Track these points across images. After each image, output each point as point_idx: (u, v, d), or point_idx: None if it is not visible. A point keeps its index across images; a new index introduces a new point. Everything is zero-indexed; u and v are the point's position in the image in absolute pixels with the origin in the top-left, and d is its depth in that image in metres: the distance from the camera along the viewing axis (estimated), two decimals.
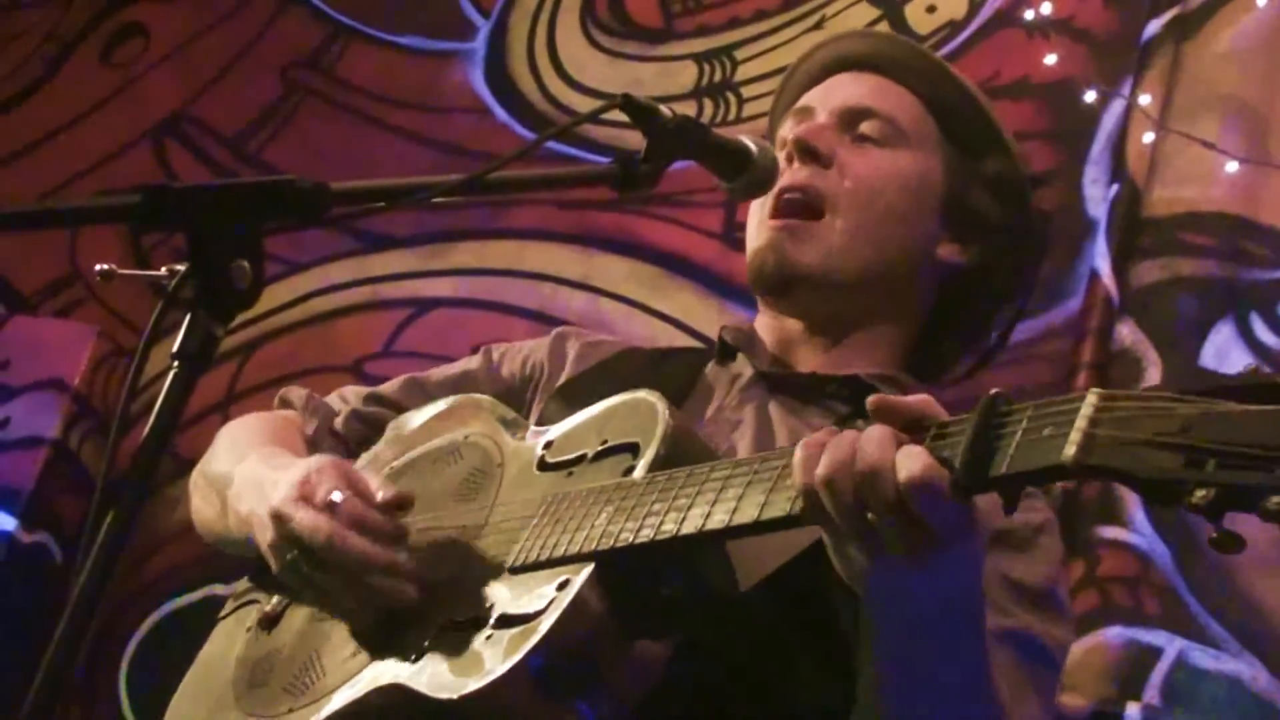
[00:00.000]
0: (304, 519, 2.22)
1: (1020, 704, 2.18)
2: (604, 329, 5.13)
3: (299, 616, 2.46)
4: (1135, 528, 4.20)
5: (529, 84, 5.86)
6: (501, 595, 2.14)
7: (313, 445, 2.71)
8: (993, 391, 1.75)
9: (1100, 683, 4.10)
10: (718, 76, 5.56)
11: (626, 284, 5.34)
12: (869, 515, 1.80)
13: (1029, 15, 4.91)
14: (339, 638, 2.32)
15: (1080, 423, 1.60)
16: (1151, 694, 4.10)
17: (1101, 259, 4.48)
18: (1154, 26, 4.71)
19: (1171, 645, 4.13)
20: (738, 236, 5.14)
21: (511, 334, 5.30)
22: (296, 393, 2.86)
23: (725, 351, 2.67)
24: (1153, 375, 4.34)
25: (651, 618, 2.08)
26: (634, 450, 2.21)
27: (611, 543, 2.06)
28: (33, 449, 5.46)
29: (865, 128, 2.64)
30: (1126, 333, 4.44)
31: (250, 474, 2.48)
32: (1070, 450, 1.59)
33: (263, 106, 6.25)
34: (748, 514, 1.94)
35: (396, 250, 5.78)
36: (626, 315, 5.27)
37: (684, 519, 1.99)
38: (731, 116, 5.39)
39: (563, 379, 2.71)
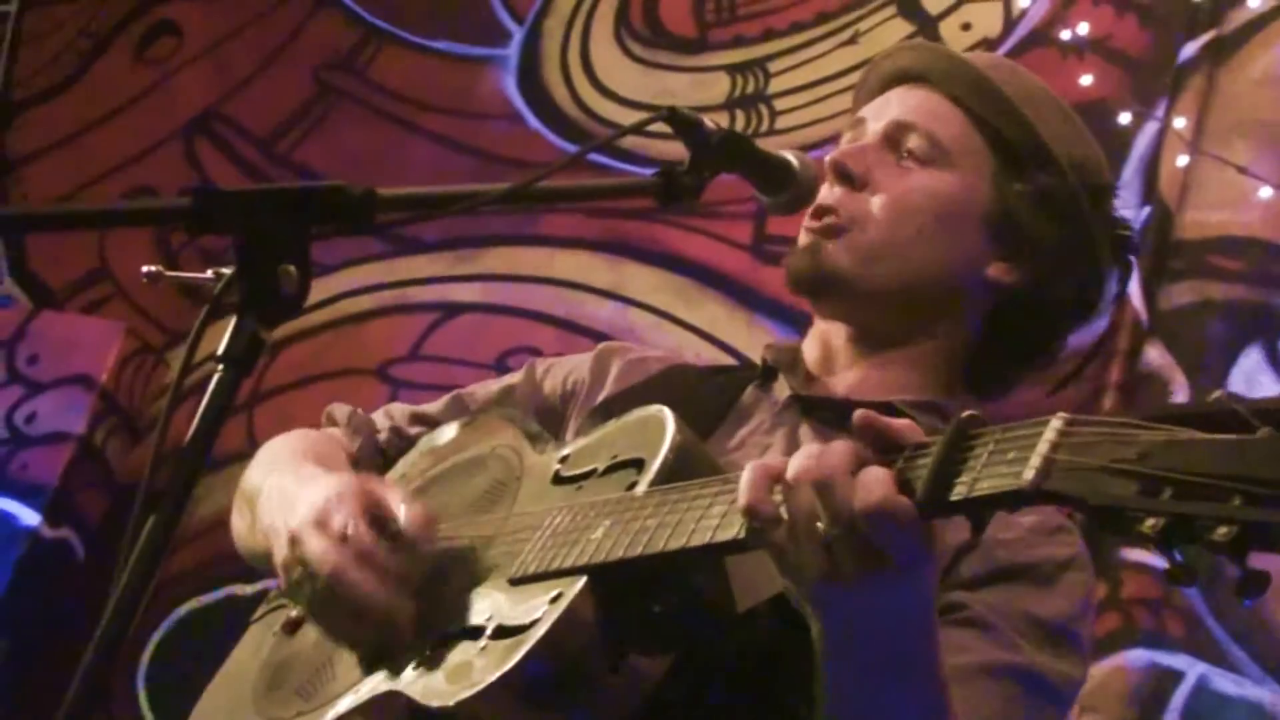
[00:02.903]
0: (315, 547, 2.23)
1: None
2: (632, 339, 5.13)
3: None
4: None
5: (562, 92, 5.86)
6: (501, 606, 2.15)
7: (356, 464, 2.73)
8: (964, 414, 1.73)
9: (1120, 705, 4.10)
10: (750, 88, 5.56)
11: (656, 294, 5.34)
12: (819, 527, 1.77)
13: (1065, 35, 4.90)
14: (341, 651, 2.34)
15: (1042, 447, 1.58)
16: (1171, 718, 4.09)
17: (1131, 280, 4.47)
18: (1190, 49, 4.70)
19: (1193, 669, 4.12)
20: (767, 249, 5.19)
21: (538, 341, 5.32)
22: (341, 410, 2.88)
23: (767, 373, 2.65)
24: (1180, 399, 4.33)
25: (644, 633, 2.07)
26: (640, 465, 2.20)
27: (604, 557, 2.06)
28: (58, 445, 5.47)
29: (909, 145, 2.61)
30: (1155, 355, 4.44)
31: (277, 486, 2.49)
32: (1028, 475, 1.57)
33: (294, 108, 6.25)
34: (708, 535, 1.94)
35: (424, 254, 5.78)
36: (655, 326, 5.27)
37: (671, 535, 1.99)
38: (764, 129, 5.38)
39: (602, 396, 2.70)
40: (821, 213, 2.56)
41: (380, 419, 2.84)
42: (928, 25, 5.27)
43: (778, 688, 2.17)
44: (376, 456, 2.78)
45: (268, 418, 5.49)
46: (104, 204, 2.31)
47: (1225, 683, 4.08)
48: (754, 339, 5.03)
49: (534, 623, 2.04)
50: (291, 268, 1.73)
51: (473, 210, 2.02)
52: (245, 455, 5.32)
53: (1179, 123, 4.61)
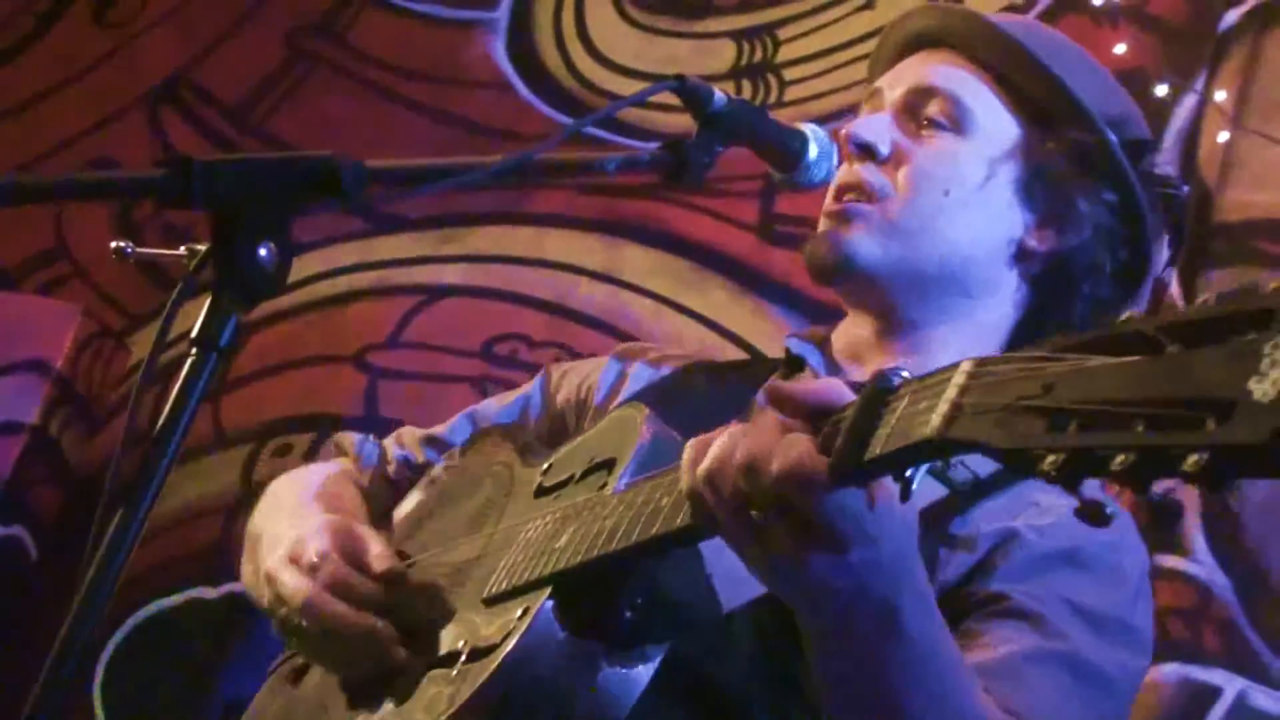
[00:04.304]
0: (287, 581, 2.37)
1: None
2: (627, 325, 5.14)
3: (318, 670, 2.54)
4: (1195, 556, 4.18)
5: (555, 59, 5.86)
6: (475, 628, 2.21)
7: (368, 496, 2.79)
8: (883, 368, 1.74)
9: None
10: (758, 56, 5.55)
11: (654, 277, 5.33)
12: (752, 513, 1.78)
13: (1097, 0, 4.89)
14: (343, 689, 2.43)
15: (950, 393, 1.58)
16: None
17: (1150, 274, 4.47)
18: (1232, 16, 4.70)
19: (1231, 685, 4.11)
20: (775, 229, 5.18)
21: (527, 327, 5.32)
22: (349, 439, 2.93)
23: (791, 362, 2.65)
24: None
25: (621, 642, 2.10)
26: (611, 466, 2.23)
27: (564, 564, 2.10)
28: (9, 435, 5.45)
29: (930, 111, 2.61)
30: None
31: (273, 532, 2.57)
32: (935, 422, 1.58)
33: (267, 74, 6.23)
34: (653, 529, 1.97)
35: (406, 233, 5.78)
36: (653, 311, 5.26)
37: (622, 534, 2.02)
38: (772, 99, 5.38)
39: (617, 402, 2.71)
40: (842, 191, 2.56)
41: (391, 447, 2.89)
42: None
43: (773, 691, 2.19)
44: (387, 488, 2.83)
45: (235, 407, 5.50)
46: (67, 175, 2.29)
47: (1267, 700, 4.07)
48: (760, 326, 5.03)
49: (504, 640, 2.07)
50: (271, 245, 1.73)
51: (466, 185, 2.02)
52: (211, 447, 5.33)
53: (1220, 95, 4.60)
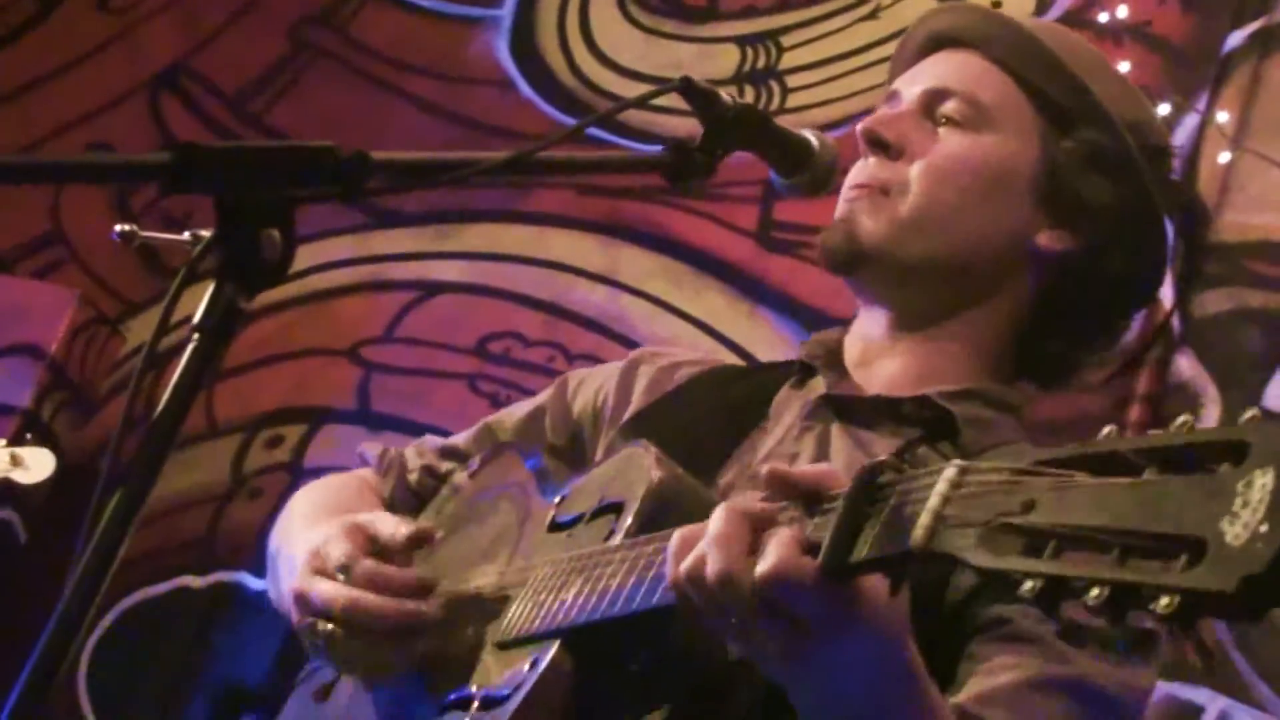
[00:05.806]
0: (321, 590, 2.32)
1: None
2: (624, 327, 5.14)
3: (346, 688, 2.56)
4: None
5: (558, 58, 5.87)
6: (489, 673, 2.20)
7: (389, 507, 2.78)
8: (870, 461, 1.71)
9: None
10: (761, 62, 5.56)
11: (651, 280, 5.34)
12: (735, 611, 1.78)
13: (1102, 18, 4.90)
14: (366, 716, 2.42)
15: (933, 502, 1.56)
16: None
17: (1164, 284, 4.47)
18: (1236, 38, 4.70)
19: (1214, 704, 4.12)
20: (773, 236, 5.19)
21: (523, 326, 5.33)
22: (372, 449, 2.92)
23: (803, 370, 2.63)
24: (1211, 412, 4.33)
25: (627, 695, 2.09)
26: (619, 510, 2.22)
27: (572, 620, 2.09)
28: (1, 418, 5.44)
29: (946, 110, 2.58)
30: (1186, 365, 4.43)
31: (288, 553, 2.57)
32: (918, 534, 1.56)
33: (268, 65, 6.25)
34: (653, 598, 1.95)
35: (403, 228, 5.79)
36: (650, 314, 5.27)
37: (624, 598, 2.01)
38: (774, 106, 5.38)
39: (629, 413, 2.69)
40: (856, 186, 2.55)
41: (412, 457, 2.87)
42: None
43: None
44: (410, 499, 2.82)
45: (228, 397, 5.50)
46: (70, 156, 2.28)
47: (1249, 719, 4.08)
48: (755, 332, 5.04)
49: (513, 693, 2.08)
50: (275, 232, 1.72)
51: (467, 181, 2.02)
52: (203, 436, 5.33)
53: (1221, 116, 4.61)
